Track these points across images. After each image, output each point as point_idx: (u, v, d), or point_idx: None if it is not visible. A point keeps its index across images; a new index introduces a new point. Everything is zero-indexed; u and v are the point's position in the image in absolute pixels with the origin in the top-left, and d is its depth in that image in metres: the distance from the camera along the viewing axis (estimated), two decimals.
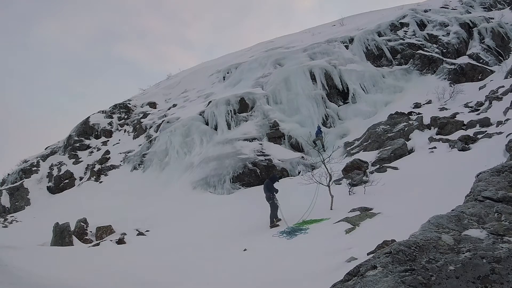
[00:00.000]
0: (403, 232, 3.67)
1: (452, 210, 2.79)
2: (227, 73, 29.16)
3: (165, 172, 20.31)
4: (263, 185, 11.40)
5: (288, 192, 12.08)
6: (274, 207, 10.62)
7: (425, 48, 23.54)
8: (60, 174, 24.12)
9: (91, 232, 12.99)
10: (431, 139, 13.72)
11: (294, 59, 24.39)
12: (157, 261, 8.21)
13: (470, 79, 20.51)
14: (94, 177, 22.75)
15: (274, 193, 10.77)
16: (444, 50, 23.20)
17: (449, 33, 24.09)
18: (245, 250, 8.21)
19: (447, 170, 10.09)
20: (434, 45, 23.73)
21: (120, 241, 11.55)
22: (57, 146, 28.54)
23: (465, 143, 12.04)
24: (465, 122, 14.08)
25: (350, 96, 21.49)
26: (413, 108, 18.61)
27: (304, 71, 22.17)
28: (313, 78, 21.93)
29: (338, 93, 22.00)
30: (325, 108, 20.98)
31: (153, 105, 30.07)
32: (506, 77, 17.40)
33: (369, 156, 14.54)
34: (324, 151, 15.59)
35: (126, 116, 29.30)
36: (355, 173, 12.86)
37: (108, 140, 26.97)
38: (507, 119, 12.45)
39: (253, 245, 8.59)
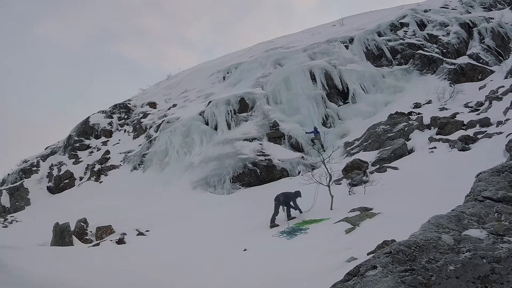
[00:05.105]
0: (403, 232, 3.67)
1: (452, 210, 2.79)
2: (227, 73, 29.16)
3: (165, 172, 20.30)
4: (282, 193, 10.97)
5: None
6: (286, 208, 10.70)
7: (425, 48, 23.53)
8: (60, 174, 24.11)
9: (91, 232, 12.96)
10: (431, 139, 13.72)
11: (294, 59, 24.38)
12: (157, 261, 8.21)
13: (470, 79, 20.50)
14: (94, 177, 22.75)
15: (289, 202, 10.75)
16: (444, 50, 23.19)
17: (449, 33, 24.07)
18: (245, 250, 8.21)
19: (447, 170, 10.09)
20: (434, 45, 23.72)
21: (120, 241, 11.53)
22: (57, 146, 28.53)
23: (465, 143, 12.04)
24: (465, 122, 14.08)
25: (350, 96, 21.47)
26: (413, 108, 18.60)
27: (304, 71, 22.16)
28: (313, 78, 21.92)
29: (338, 93, 21.99)
30: (325, 108, 20.97)
31: (153, 105, 30.07)
32: (506, 77, 17.39)
33: (369, 156, 14.54)
34: (324, 151, 15.59)
35: (126, 116, 29.30)
36: (355, 173, 12.86)
37: (108, 140, 26.96)
38: (507, 119, 12.44)
39: (253, 245, 8.59)
